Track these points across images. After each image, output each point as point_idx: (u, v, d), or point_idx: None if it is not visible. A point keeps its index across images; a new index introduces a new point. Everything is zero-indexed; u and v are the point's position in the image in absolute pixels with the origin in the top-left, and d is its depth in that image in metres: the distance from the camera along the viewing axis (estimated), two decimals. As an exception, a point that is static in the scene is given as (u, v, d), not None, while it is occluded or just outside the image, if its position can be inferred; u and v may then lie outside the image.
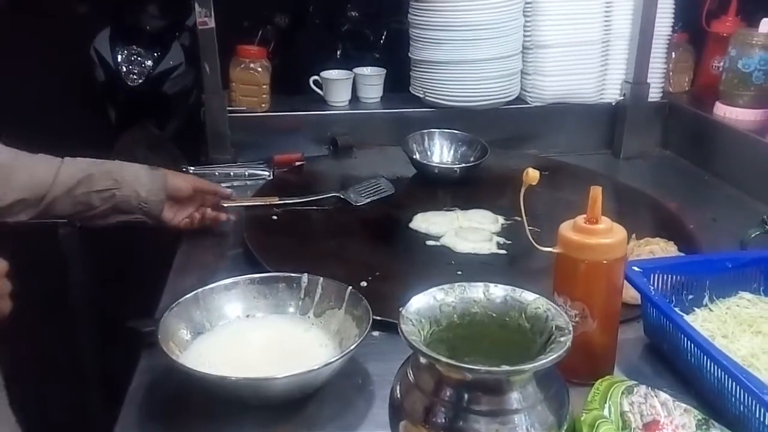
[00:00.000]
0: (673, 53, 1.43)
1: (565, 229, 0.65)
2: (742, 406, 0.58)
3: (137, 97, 2.06)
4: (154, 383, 0.68)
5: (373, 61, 1.53)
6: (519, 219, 0.65)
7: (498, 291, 0.58)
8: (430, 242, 0.99)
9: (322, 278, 0.75)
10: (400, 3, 1.57)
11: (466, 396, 0.51)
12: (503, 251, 0.96)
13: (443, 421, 0.51)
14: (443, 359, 0.50)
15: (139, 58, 2.10)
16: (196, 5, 1.13)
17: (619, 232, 0.65)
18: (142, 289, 0.89)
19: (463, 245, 0.96)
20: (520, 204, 0.63)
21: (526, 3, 1.32)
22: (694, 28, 1.42)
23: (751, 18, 1.34)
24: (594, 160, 1.35)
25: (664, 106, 1.41)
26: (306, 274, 0.75)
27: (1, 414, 0.70)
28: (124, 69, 2.06)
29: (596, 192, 0.63)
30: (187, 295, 0.71)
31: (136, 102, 2.07)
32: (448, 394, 0.51)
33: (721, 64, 1.32)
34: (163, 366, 0.68)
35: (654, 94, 1.38)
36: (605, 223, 0.64)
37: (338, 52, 1.69)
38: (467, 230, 1.00)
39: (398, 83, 1.44)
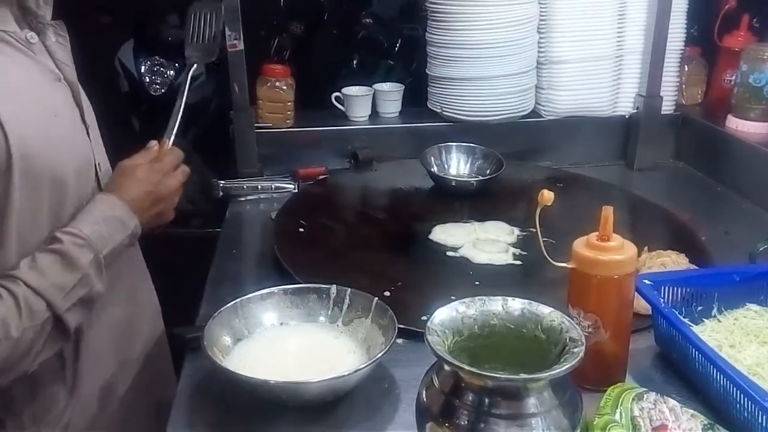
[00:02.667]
0: (686, 67, 1.46)
1: (579, 245, 0.69)
2: (745, 412, 0.62)
3: (160, 106, 2.13)
4: (198, 386, 0.74)
5: (388, 68, 1.57)
6: (534, 230, 0.70)
7: (516, 304, 0.63)
8: (450, 253, 1.03)
9: (349, 289, 0.80)
10: (414, 10, 1.61)
11: (486, 401, 0.55)
12: (519, 262, 1.00)
13: (466, 423, 0.55)
14: (466, 367, 0.55)
15: (161, 69, 2.18)
16: (226, 29, 1.19)
17: (630, 248, 0.69)
18: (177, 298, 0.94)
19: (481, 256, 1.00)
20: (535, 221, 0.67)
21: (540, 20, 1.36)
22: (707, 42, 1.45)
23: (762, 33, 1.38)
24: (608, 172, 1.38)
25: (676, 118, 1.44)
26: (335, 285, 0.81)
27: None
28: (147, 79, 2.14)
29: (608, 211, 0.68)
30: (228, 305, 0.76)
31: (158, 111, 2.14)
32: (470, 398, 0.56)
33: (733, 78, 1.35)
34: (206, 370, 0.74)
35: (667, 107, 1.41)
36: (617, 240, 0.68)
37: (354, 62, 1.73)
38: (484, 242, 1.04)
39: (416, 98, 1.49)
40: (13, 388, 0.70)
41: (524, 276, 0.97)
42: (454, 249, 1.04)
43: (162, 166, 0.83)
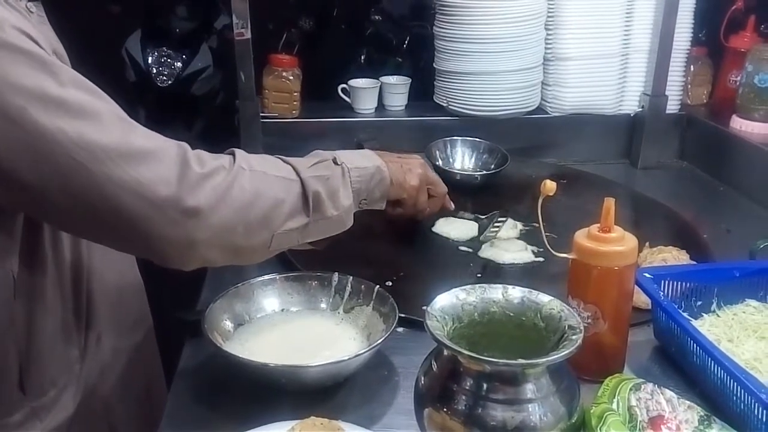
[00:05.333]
0: (692, 66, 1.46)
1: (580, 236, 0.70)
2: (742, 404, 0.63)
3: (166, 97, 2.13)
4: (198, 369, 0.74)
5: (396, 65, 1.57)
6: (537, 225, 0.70)
7: (516, 292, 0.63)
8: (463, 248, 1.02)
9: (351, 277, 0.81)
10: (423, 8, 1.61)
11: (484, 386, 0.56)
12: (541, 258, 0.98)
13: (464, 408, 0.56)
14: (465, 352, 0.55)
15: (168, 60, 2.18)
16: (234, 17, 1.20)
17: (631, 240, 0.69)
18: (175, 282, 0.95)
19: (505, 256, 0.98)
20: (538, 213, 0.68)
21: (548, 17, 1.36)
22: (713, 42, 1.45)
23: (767, 32, 1.37)
24: (612, 170, 1.38)
25: (681, 118, 1.44)
26: (336, 273, 0.81)
27: None
28: (155, 70, 2.14)
29: (609, 203, 0.68)
30: (230, 289, 0.77)
31: (165, 103, 2.15)
32: (468, 384, 0.57)
33: (739, 78, 1.35)
34: (205, 353, 0.75)
35: (672, 107, 1.41)
36: (617, 231, 0.69)
37: (362, 57, 1.74)
38: (501, 241, 1.02)
39: (422, 91, 1.49)
40: (33, 350, 0.71)
41: (528, 270, 0.98)
42: (460, 242, 1.04)
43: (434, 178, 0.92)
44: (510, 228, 1.08)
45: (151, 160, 0.61)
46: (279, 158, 0.74)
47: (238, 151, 0.71)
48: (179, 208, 0.62)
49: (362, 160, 0.80)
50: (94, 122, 0.59)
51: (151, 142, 0.63)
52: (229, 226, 0.66)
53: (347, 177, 0.76)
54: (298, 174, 0.72)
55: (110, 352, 0.81)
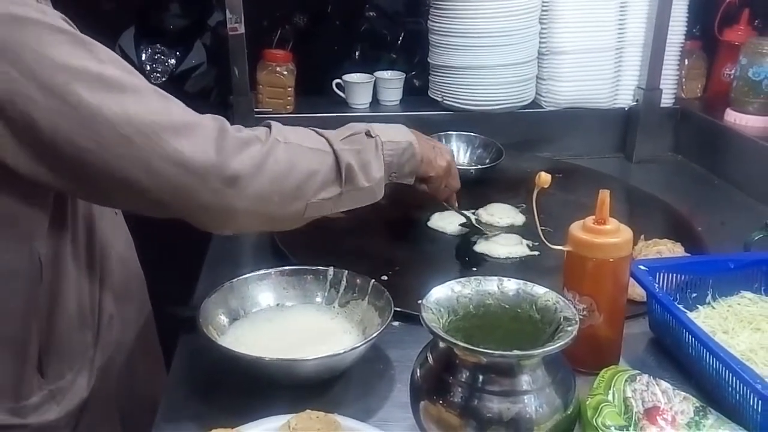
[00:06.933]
0: (686, 60, 1.46)
1: (575, 229, 0.70)
2: (737, 395, 0.63)
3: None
4: (193, 364, 0.74)
5: (391, 61, 1.57)
6: (533, 218, 0.70)
7: (511, 285, 0.63)
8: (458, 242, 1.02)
9: (346, 271, 0.80)
10: (418, 4, 1.61)
11: (480, 378, 0.56)
12: (536, 252, 0.98)
13: (459, 400, 0.56)
14: (461, 344, 0.55)
15: (162, 57, 2.17)
16: (227, 12, 1.19)
17: (626, 232, 0.69)
18: (171, 278, 0.95)
19: (500, 250, 0.98)
20: (533, 205, 0.67)
21: (542, 11, 1.36)
22: (708, 36, 1.46)
23: (762, 27, 1.38)
24: (607, 164, 1.39)
25: (676, 111, 1.45)
26: (332, 267, 0.81)
27: None
28: (148, 67, 2.13)
29: (604, 194, 0.68)
30: (224, 284, 0.77)
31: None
32: (464, 376, 0.57)
33: (733, 71, 1.35)
34: (200, 349, 0.74)
35: (666, 100, 1.41)
36: (612, 223, 0.69)
37: (356, 53, 1.74)
38: (497, 236, 1.02)
39: (417, 87, 1.49)
40: (54, 333, 0.72)
41: (522, 264, 0.97)
42: (455, 235, 1.04)
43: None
44: (514, 215, 1.07)
45: (192, 131, 0.64)
46: (313, 130, 0.76)
47: (274, 123, 0.74)
48: (220, 176, 0.65)
49: (396, 134, 0.81)
50: (135, 97, 0.62)
51: (190, 115, 0.66)
52: (265, 196, 0.68)
53: (380, 150, 0.78)
54: (331, 146, 0.74)
55: (118, 337, 0.83)
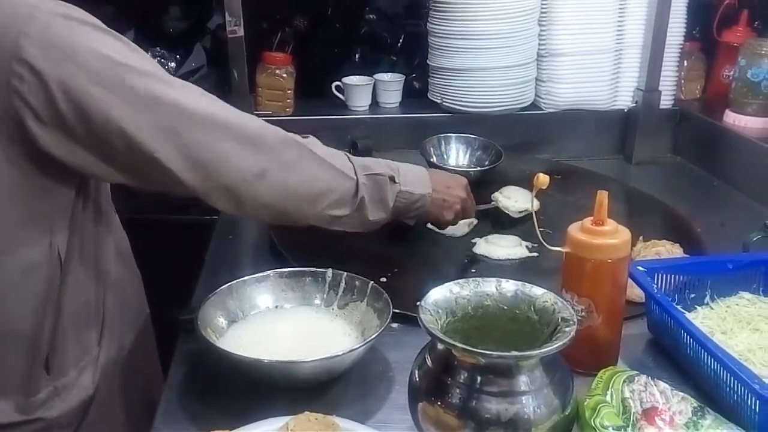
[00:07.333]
0: (685, 62, 1.46)
1: (574, 230, 0.70)
2: (735, 395, 0.63)
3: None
4: (192, 366, 0.74)
5: (390, 64, 1.58)
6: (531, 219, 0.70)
7: (509, 286, 0.64)
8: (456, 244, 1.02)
9: (345, 273, 0.80)
10: (418, 6, 1.62)
11: (478, 379, 0.56)
12: (536, 254, 0.98)
13: (458, 401, 0.56)
14: (459, 345, 0.55)
15: (162, 60, 2.18)
16: (227, 15, 1.20)
17: (624, 233, 0.69)
18: (170, 281, 0.95)
19: (498, 252, 0.98)
20: (531, 205, 0.68)
21: (542, 13, 1.36)
22: (707, 37, 1.46)
23: (761, 29, 1.38)
24: (606, 165, 1.39)
25: (675, 113, 1.45)
26: (330, 269, 0.81)
27: None
28: (148, 69, 2.14)
29: (602, 196, 0.68)
30: (223, 287, 0.77)
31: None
32: (462, 377, 0.57)
33: (732, 73, 1.35)
34: (199, 351, 0.74)
35: (665, 102, 1.42)
36: (611, 225, 0.69)
37: (356, 56, 1.74)
38: (496, 237, 1.02)
39: (416, 89, 1.49)
40: (62, 329, 0.73)
41: (521, 266, 0.98)
42: (454, 238, 1.04)
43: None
44: (528, 197, 1.07)
45: (236, 129, 0.70)
46: (346, 155, 0.83)
47: (312, 138, 0.81)
48: (253, 170, 0.71)
49: (415, 185, 0.87)
50: (183, 91, 0.68)
51: (235, 113, 0.72)
52: (285, 194, 0.75)
53: (394, 197, 0.85)
54: (356, 174, 0.80)
55: (120, 337, 0.84)
